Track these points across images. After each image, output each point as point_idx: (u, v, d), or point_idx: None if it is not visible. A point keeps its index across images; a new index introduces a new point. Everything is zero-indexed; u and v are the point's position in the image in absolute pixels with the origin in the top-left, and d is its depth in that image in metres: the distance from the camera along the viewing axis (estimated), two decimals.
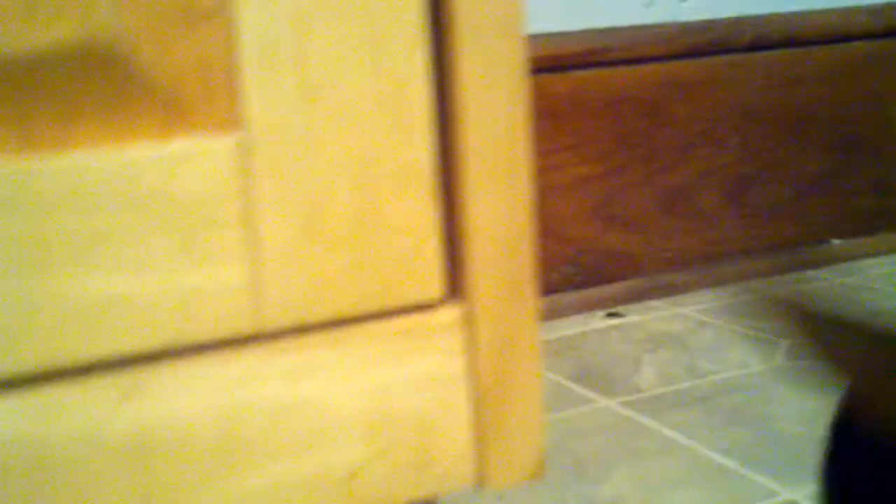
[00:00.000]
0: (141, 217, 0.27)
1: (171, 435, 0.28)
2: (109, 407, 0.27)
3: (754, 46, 0.93)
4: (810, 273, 0.94)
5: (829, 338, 0.76)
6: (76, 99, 0.27)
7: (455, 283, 0.31)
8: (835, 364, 0.71)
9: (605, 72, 0.88)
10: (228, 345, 0.29)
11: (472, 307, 0.31)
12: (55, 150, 0.27)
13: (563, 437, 0.62)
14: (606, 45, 0.88)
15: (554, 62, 0.85)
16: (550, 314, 0.86)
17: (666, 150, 0.90)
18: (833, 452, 0.42)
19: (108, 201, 0.27)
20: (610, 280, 0.90)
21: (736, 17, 0.93)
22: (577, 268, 0.89)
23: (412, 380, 0.31)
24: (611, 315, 0.86)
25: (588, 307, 0.87)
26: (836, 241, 0.99)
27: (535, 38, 0.84)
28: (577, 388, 0.70)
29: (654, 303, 0.89)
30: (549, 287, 0.87)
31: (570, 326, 0.84)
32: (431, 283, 0.31)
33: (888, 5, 0.98)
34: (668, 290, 0.91)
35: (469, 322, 0.31)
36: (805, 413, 0.63)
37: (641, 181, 0.90)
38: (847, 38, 0.96)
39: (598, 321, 0.85)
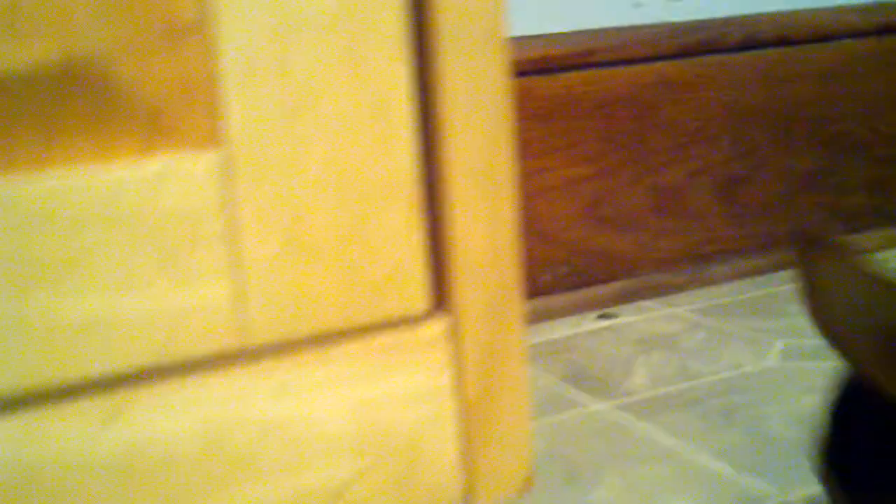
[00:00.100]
0: (123, 236, 0.27)
1: (156, 455, 0.28)
2: (94, 428, 0.27)
3: (744, 46, 0.93)
4: None
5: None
6: (57, 117, 0.27)
7: (440, 296, 0.31)
8: (829, 364, 0.71)
9: (595, 73, 0.88)
10: (213, 363, 0.29)
11: (458, 319, 0.31)
12: (36, 169, 0.27)
13: (555, 441, 0.62)
14: (596, 46, 0.87)
15: (544, 64, 0.85)
16: (542, 316, 0.86)
17: (657, 151, 0.90)
18: (839, 421, 0.41)
19: (89, 220, 0.27)
20: (602, 281, 0.90)
21: (725, 17, 0.93)
22: (568, 269, 0.88)
23: (398, 395, 0.30)
24: (603, 316, 0.86)
25: (580, 308, 0.87)
26: None
27: (524, 40, 0.84)
28: (570, 391, 0.70)
29: (646, 303, 0.89)
30: (541, 288, 0.87)
31: (562, 328, 0.84)
32: (416, 295, 0.31)
33: (878, 4, 0.98)
34: (660, 291, 0.90)
35: (455, 335, 0.31)
36: (799, 414, 0.63)
37: (633, 181, 0.90)
38: (837, 36, 0.96)
39: (590, 322, 0.85)
